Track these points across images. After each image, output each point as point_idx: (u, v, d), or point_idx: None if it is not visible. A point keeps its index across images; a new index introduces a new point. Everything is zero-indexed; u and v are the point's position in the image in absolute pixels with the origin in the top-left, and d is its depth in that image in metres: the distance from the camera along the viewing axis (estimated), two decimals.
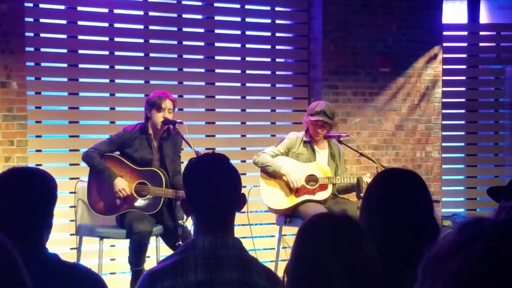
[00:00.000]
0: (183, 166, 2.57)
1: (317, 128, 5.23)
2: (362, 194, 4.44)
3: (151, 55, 6.09)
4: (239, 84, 6.44)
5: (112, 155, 4.85)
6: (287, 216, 5.32)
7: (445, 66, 6.91)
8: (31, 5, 5.54)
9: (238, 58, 6.42)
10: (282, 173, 5.21)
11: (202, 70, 6.29)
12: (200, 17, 6.29)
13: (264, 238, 6.28)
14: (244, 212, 5.38)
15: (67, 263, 2.08)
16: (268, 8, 6.52)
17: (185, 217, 3.95)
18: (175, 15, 6.18)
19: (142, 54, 6.06)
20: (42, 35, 5.68)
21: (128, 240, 4.70)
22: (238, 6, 6.39)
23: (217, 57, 6.33)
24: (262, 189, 5.31)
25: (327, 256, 1.56)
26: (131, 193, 4.79)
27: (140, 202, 4.79)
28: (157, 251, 5.03)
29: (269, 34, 6.54)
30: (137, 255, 4.66)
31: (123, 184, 4.77)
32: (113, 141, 4.85)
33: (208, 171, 2.11)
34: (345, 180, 5.26)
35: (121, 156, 4.86)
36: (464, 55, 7.26)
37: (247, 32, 6.44)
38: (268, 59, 6.55)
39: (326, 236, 1.60)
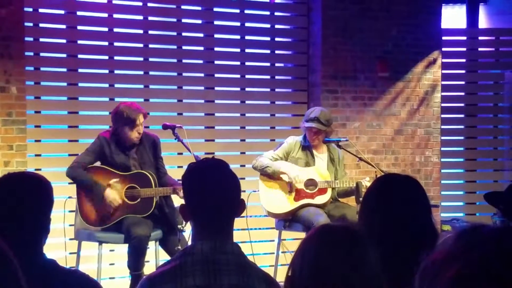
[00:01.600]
0: (181, 170, 2.57)
1: (312, 135, 5.23)
2: (361, 199, 4.43)
3: (151, 59, 6.09)
4: (238, 89, 6.44)
5: (95, 166, 4.83)
6: (286, 220, 5.31)
7: (444, 71, 6.91)
8: (30, 9, 5.55)
9: (238, 63, 6.43)
10: (282, 172, 5.20)
11: (202, 74, 6.30)
12: (199, 22, 6.30)
13: (263, 243, 6.27)
14: (243, 217, 5.38)
15: (64, 269, 2.08)
16: (268, 13, 6.52)
17: (184, 222, 3.94)
18: (174, 19, 6.18)
19: (141, 59, 6.06)
20: (41, 39, 5.68)
21: (127, 245, 4.70)
22: (237, 11, 6.40)
23: (216, 62, 6.33)
24: (261, 193, 5.30)
25: (335, 268, 1.56)
26: (122, 200, 4.78)
27: (132, 207, 4.78)
28: (156, 255, 5.01)
29: (268, 38, 6.54)
30: (136, 259, 4.65)
31: (113, 195, 4.75)
32: (94, 150, 4.83)
33: (207, 177, 2.10)
34: (344, 184, 5.25)
35: (103, 165, 4.85)
36: (463, 60, 7.27)
37: (247, 37, 6.45)
38: (268, 64, 6.56)
39: (336, 248, 1.60)
